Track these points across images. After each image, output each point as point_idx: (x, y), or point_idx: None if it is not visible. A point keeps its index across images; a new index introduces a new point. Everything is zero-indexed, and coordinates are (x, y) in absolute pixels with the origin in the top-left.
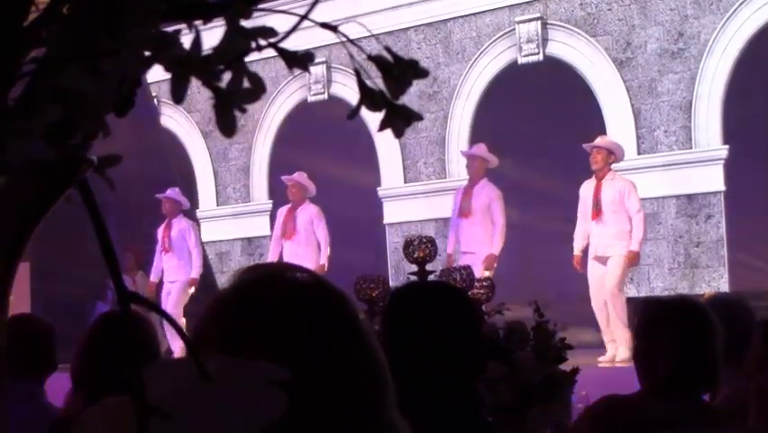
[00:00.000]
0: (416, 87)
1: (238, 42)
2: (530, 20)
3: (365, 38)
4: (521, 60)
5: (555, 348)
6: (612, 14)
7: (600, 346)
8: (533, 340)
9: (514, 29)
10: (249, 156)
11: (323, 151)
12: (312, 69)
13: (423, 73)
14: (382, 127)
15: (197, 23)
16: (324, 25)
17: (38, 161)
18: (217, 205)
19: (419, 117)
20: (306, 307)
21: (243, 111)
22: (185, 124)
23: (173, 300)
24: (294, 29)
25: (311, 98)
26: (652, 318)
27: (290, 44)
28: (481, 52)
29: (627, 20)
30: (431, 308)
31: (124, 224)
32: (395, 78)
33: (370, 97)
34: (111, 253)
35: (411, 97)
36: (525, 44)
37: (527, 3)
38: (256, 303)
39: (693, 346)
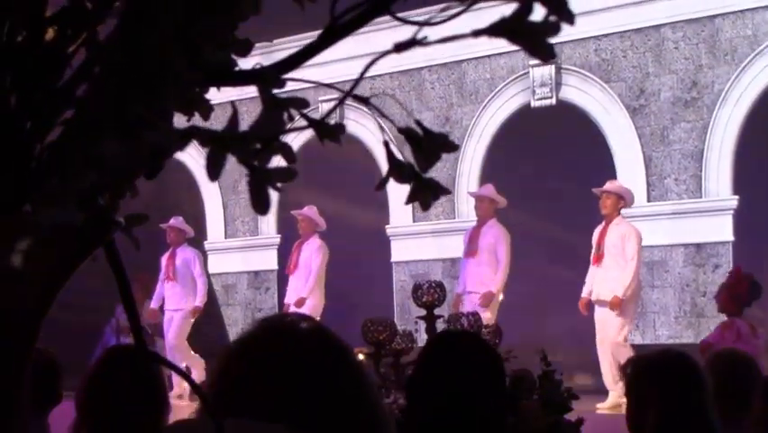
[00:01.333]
0: (429, 127)
1: (274, 118)
2: (544, 64)
3: (380, 76)
4: (534, 104)
5: (561, 397)
6: (626, 61)
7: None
8: (539, 389)
9: (528, 72)
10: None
11: (333, 187)
12: (324, 105)
13: (452, 147)
14: (410, 200)
15: (235, 99)
16: (357, 98)
17: (67, 224)
18: (225, 237)
19: (447, 191)
20: (306, 359)
21: (278, 190)
22: (195, 155)
23: (174, 330)
24: (335, 108)
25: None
26: (638, 373)
27: (300, 75)
28: (494, 94)
29: (642, 67)
30: (462, 361)
31: (132, 254)
32: (424, 152)
33: (398, 169)
34: (134, 311)
35: None
36: (539, 88)
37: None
38: (261, 357)
39: (680, 397)
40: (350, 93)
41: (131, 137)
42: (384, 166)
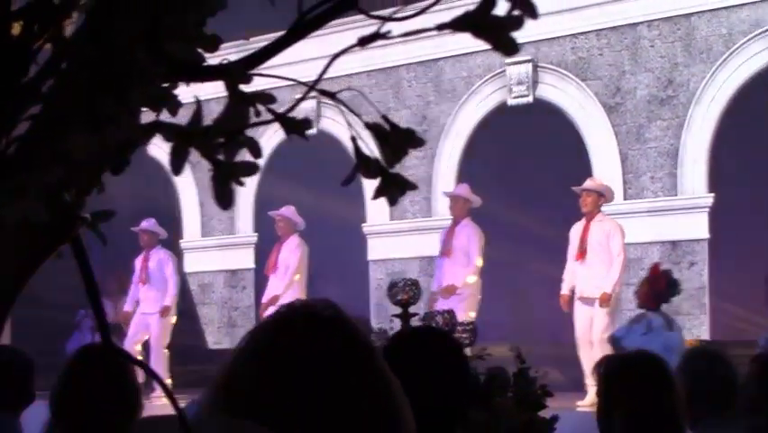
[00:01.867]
0: (405, 125)
1: (238, 113)
2: (521, 62)
3: (357, 74)
4: (511, 102)
5: (535, 395)
6: (603, 59)
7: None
8: (513, 386)
9: (504, 70)
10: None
11: (309, 185)
12: (301, 104)
13: (419, 142)
14: (377, 195)
15: (200, 96)
16: (324, 93)
17: (33, 219)
18: (202, 236)
19: (414, 187)
20: (327, 343)
21: (241, 184)
22: None
23: (156, 335)
24: (300, 101)
25: None
26: (607, 374)
27: (279, 73)
28: (472, 92)
29: (618, 65)
30: (425, 357)
31: (109, 253)
32: (391, 147)
33: (365, 165)
34: (99, 308)
35: None
36: (516, 86)
37: (518, 45)
38: (268, 349)
39: (649, 398)
40: (314, 86)
41: (97, 132)
42: None
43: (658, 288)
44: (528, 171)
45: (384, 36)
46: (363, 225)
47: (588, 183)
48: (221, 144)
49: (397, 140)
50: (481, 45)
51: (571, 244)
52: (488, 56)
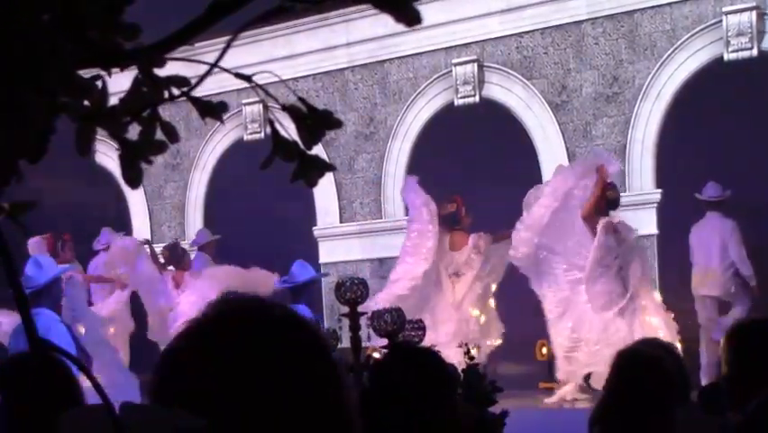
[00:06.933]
0: (353, 127)
1: (146, 94)
2: (467, 62)
3: (303, 78)
4: (457, 102)
5: (485, 391)
6: (548, 58)
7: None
8: (463, 383)
9: (450, 71)
10: (184, 194)
11: (259, 190)
12: (248, 107)
13: (336, 123)
14: (295, 178)
15: (104, 74)
16: (239, 75)
17: None
18: (152, 243)
19: (332, 168)
20: (278, 339)
21: (150, 163)
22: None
23: None
24: (204, 78)
25: (247, 137)
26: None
27: (220, 78)
28: (418, 93)
29: (563, 63)
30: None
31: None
32: (307, 129)
33: (283, 147)
34: (22, 297)
35: (348, 138)
36: (462, 86)
37: (464, 45)
38: (231, 336)
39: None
40: (215, 64)
41: (8, 118)
42: None
43: None
44: (477, 171)
45: (287, 9)
46: (314, 228)
47: None
48: (128, 123)
49: (315, 121)
50: (427, 46)
51: None
52: (433, 57)
